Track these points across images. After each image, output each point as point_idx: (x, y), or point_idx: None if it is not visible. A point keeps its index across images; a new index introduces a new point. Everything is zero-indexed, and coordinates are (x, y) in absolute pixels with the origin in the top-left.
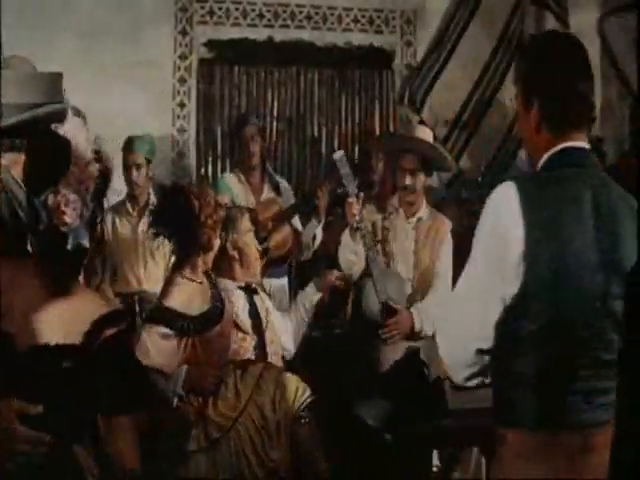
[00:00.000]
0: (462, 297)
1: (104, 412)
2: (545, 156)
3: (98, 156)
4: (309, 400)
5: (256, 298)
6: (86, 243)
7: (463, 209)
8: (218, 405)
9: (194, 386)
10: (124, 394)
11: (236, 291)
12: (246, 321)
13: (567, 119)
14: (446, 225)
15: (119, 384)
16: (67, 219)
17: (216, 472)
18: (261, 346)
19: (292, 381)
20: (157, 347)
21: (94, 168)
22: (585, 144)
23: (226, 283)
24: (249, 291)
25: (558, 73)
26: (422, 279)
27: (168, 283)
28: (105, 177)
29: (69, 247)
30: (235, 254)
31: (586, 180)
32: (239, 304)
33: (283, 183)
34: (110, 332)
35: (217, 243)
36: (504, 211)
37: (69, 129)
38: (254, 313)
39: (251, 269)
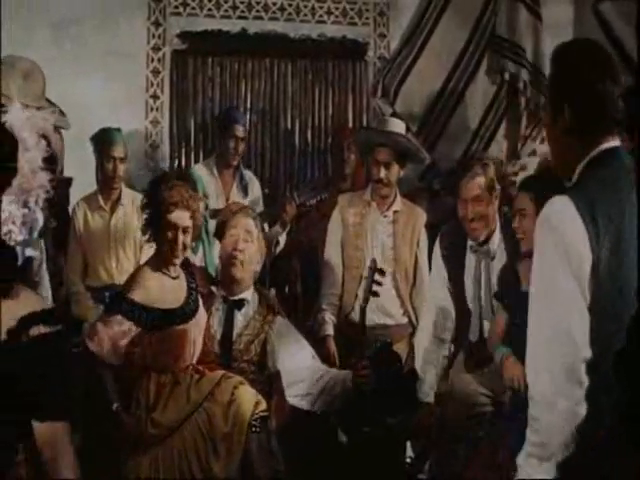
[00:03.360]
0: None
1: (39, 418)
2: (583, 161)
3: (48, 165)
4: (263, 414)
5: (239, 314)
6: (35, 252)
7: (436, 200)
8: (166, 407)
9: None
10: (59, 398)
11: (218, 301)
12: (215, 336)
13: (599, 121)
14: (423, 218)
15: (53, 388)
16: (15, 236)
17: (157, 472)
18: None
19: (250, 395)
20: (112, 336)
21: (43, 176)
22: (618, 143)
23: (217, 290)
24: (229, 304)
25: (587, 76)
26: (404, 275)
27: (136, 273)
28: (55, 186)
29: (19, 262)
30: (221, 261)
31: (628, 178)
32: (215, 318)
33: (254, 182)
34: (38, 331)
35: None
36: (570, 227)
37: (15, 124)
38: (227, 331)
39: (233, 281)
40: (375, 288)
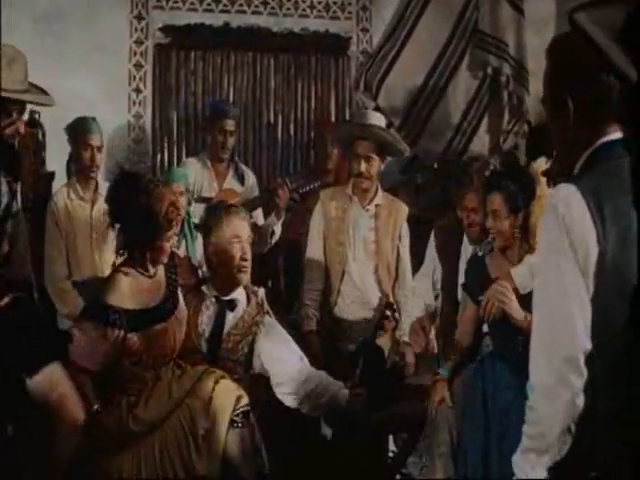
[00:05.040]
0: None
1: (30, 371)
2: (586, 153)
3: None
4: (245, 409)
5: (231, 315)
6: None
7: (419, 194)
8: (147, 403)
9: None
10: (40, 348)
11: (209, 300)
12: (203, 334)
13: (603, 112)
14: (404, 211)
15: (31, 341)
16: None
17: (139, 470)
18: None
19: (231, 389)
20: (89, 342)
21: None
22: (620, 134)
23: (208, 289)
24: (222, 304)
25: (589, 67)
26: (386, 268)
27: (111, 275)
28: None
29: None
30: (213, 260)
31: (629, 169)
32: (204, 316)
33: (249, 174)
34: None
35: (169, 241)
36: (576, 216)
37: None
38: (217, 330)
39: (227, 281)
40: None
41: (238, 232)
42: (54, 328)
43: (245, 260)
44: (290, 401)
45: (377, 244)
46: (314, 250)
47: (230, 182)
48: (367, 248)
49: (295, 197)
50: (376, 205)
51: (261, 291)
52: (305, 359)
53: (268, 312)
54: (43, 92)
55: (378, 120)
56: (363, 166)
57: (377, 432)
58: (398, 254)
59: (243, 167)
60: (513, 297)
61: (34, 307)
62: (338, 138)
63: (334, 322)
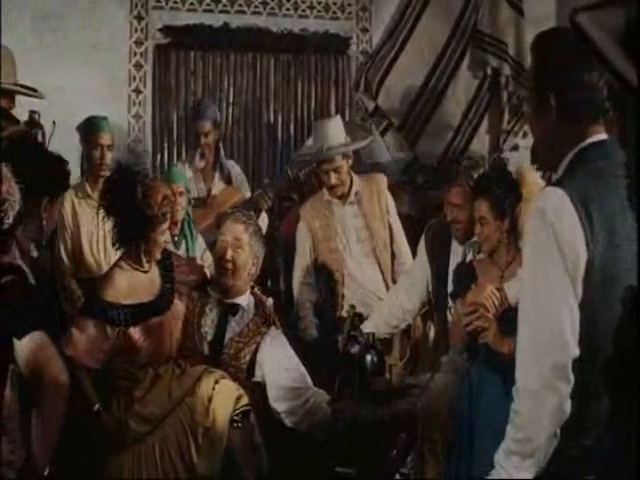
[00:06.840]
0: (536, 306)
1: (19, 334)
2: (570, 154)
3: None
4: (245, 409)
5: (233, 320)
6: None
7: (419, 193)
8: (146, 401)
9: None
10: (31, 318)
11: (212, 302)
12: (206, 337)
13: (586, 110)
14: (382, 181)
15: (24, 312)
16: None
17: (140, 471)
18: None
19: (231, 389)
20: (87, 340)
21: None
22: (605, 135)
23: (212, 290)
24: (223, 307)
25: (571, 64)
26: (382, 247)
27: (108, 273)
28: None
29: None
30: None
31: (617, 170)
32: (208, 318)
33: (235, 169)
34: None
35: (162, 235)
36: (566, 222)
37: None
38: (219, 334)
39: (226, 288)
40: (354, 333)
41: (225, 232)
42: (45, 304)
43: (224, 260)
44: (287, 420)
45: (368, 229)
46: (301, 264)
47: (218, 185)
48: (360, 236)
49: (294, 197)
50: (355, 193)
51: (269, 301)
52: (308, 377)
53: (275, 323)
54: (31, 89)
55: (335, 130)
56: (333, 179)
57: (377, 432)
58: (390, 229)
59: (230, 164)
60: (494, 325)
61: (29, 287)
62: (306, 164)
63: (338, 326)
